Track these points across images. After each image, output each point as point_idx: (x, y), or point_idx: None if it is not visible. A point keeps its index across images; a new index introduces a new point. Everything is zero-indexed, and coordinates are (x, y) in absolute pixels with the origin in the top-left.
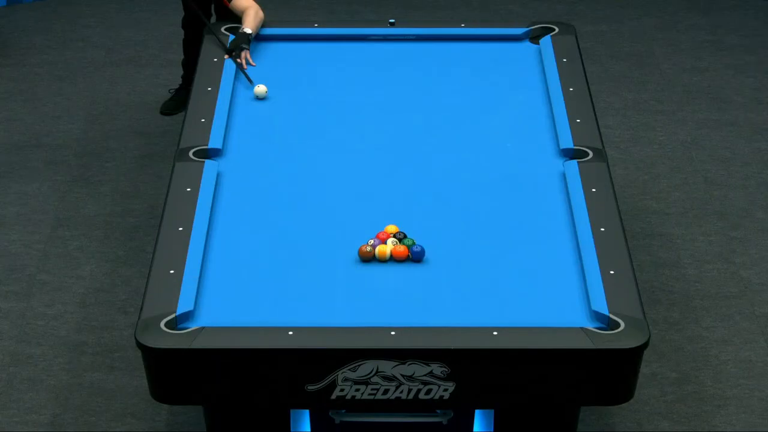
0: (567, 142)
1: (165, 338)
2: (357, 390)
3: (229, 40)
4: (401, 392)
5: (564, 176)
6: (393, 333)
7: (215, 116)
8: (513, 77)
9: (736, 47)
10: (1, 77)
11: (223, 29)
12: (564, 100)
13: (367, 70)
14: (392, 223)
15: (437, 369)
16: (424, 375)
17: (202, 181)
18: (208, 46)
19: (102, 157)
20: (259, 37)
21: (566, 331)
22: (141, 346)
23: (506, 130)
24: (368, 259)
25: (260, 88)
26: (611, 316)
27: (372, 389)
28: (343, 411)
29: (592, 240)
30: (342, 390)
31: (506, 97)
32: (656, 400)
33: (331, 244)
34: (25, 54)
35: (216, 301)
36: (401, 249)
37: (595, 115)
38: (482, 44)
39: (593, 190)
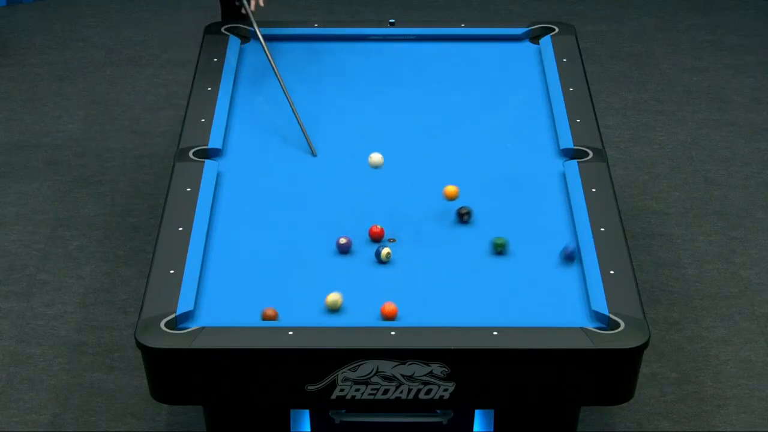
0: (567, 142)
1: (165, 338)
2: (357, 390)
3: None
4: (401, 392)
5: (564, 176)
6: (393, 333)
7: (215, 116)
8: (513, 77)
9: (736, 47)
10: (1, 77)
11: (223, 29)
12: (564, 100)
13: (367, 70)
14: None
15: (437, 369)
16: (424, 375)
17: (202, 181)
18: (208, 46)
19: (102, 157)
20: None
21: (566, 331)
22: (141, 346)
23: (506, 130)
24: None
25: (376, 158)
26: (611, 316)
27: (372, 389)
28: (343, 411)
29: (592, 240)
30: (342, 390)
31: (506, 97)
32: (656, 400)
33: (331, 244)
34: (25, 54)
35: (216, 301)
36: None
37: (595, 115)
38: (482, 44)
39: (593, 190)
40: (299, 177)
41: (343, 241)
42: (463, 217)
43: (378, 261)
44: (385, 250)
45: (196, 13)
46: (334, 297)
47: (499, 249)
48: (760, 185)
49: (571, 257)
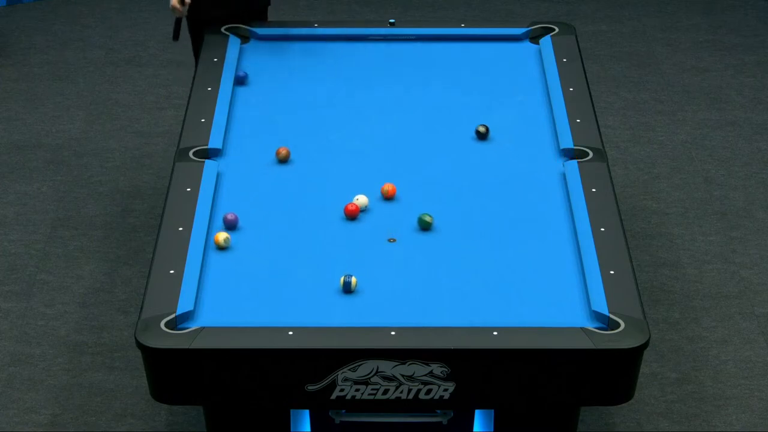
0: (567, 142)
1: (165, 338)
2: (357, 390)
3: (230, 39)
4: (401, 392)
5: (564, 176)
6: (393, 333)
7: (215, 116)
8: (513, 77)
9: (736, 47)
10: (1, 77)
11: (223, 29)
12: (564, 100)
13: (367, 70)
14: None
15: (437, 369)
16: (424, 375)
17: (202, 181)
18: (208, 46)
19: (102, 157)
20: (259, 37)
21: (566, 331)
22: (141, 346)
23: (506, 130)
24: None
25: (362, 200)
26: (611, 316)
27: (372, 389)
28: (343, 411)
29: (592, 240)
30: (342, 390)
31: (506, 97)
32: (656, 400)
33: (331, 244)
34: (25, 54)
35: (216, 301)
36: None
37: (595, 115)
38: (482, 44)
39: (593, 190)
40: (299, 177)
41: (230, 217)
42: (482, 135)
43: (346, 289)
44: (353, 281)
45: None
46: (221, 237)
47: (425, 225)
48: (760, 185)
49: (241, 81)
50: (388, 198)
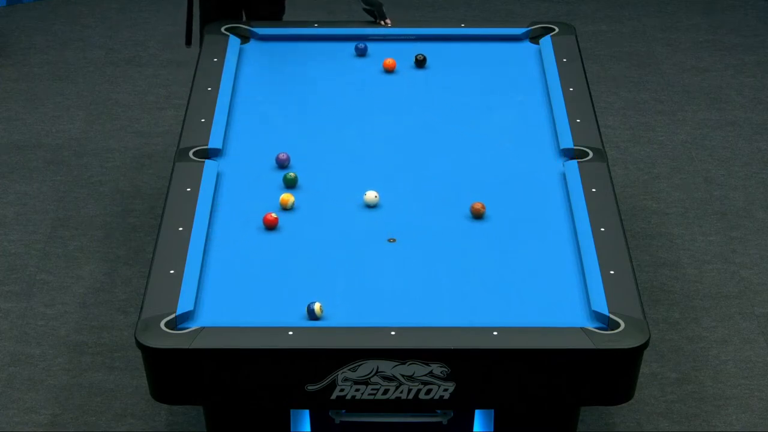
0: (567, 142)
1: (165, 338)
2: (357, 390)
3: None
4: (401, 392)
5: (564, 176)
6: (393, 333)
7: (215, 116)
8: (513, 77)
9: (736, 47)
10: (1, 77)
11: (223, 29)
12: (564, 100)
13: (367, 70)
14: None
15: (437, 369)
16: (424, 375)
17: (202, 181)
18: (208, 46)
19: (102, 157)
20: (259, 37)
21: (566, 331)
22: (141, 346)
23: (506, 130)
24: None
25: (370, 195)
26: (611, 316)
27: (372, 389)
28: (343, 411)
29: (592, 240)
30: (342, 390)
31: (506, 97)
32: (656, 400)
33: (330, 244)
34: (25, 54)
35: (216, 301)
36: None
37: (595, 115)
38: (482, 44)
39: (593, 190)
40: (298, 177)
41: (282, 156)
42: (420, 63)
43: (312, 316)
44: (317, 306)
45: (196, 14)
46: (286, 198)
47: (289, 183)
48: (760, 185)
49: (362, 52)
50: (387, 69)
